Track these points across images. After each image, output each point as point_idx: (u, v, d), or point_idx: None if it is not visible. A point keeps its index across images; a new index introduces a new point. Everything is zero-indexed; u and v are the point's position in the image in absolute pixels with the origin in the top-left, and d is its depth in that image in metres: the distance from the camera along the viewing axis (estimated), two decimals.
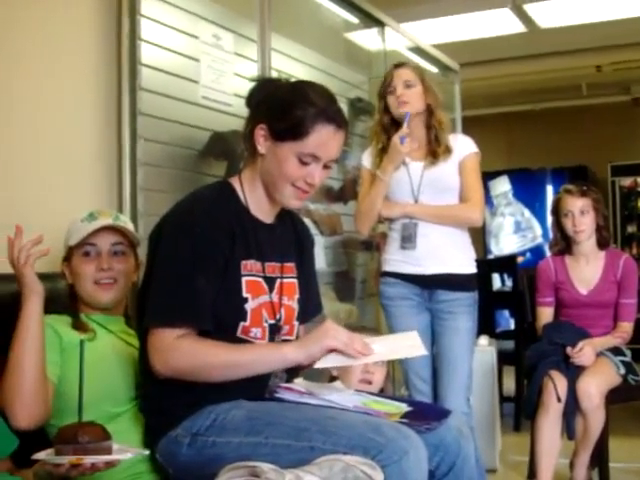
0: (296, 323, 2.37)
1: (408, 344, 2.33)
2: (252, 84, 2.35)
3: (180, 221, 2.19)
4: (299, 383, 2.29)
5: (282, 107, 2.20)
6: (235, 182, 2.33)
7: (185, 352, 2.08)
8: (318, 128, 2.17)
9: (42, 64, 2.98)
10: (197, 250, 2.12)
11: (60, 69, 3.05)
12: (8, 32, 2.85)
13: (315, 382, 2.30)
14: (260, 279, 2.25)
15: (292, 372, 2.31)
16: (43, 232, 2.65)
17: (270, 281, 2.28)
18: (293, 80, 2.39)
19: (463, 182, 3.55)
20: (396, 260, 3.59)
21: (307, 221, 4.27)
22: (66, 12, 3.10)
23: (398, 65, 3.64)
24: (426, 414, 2.22)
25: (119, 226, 2.46)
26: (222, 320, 2.16)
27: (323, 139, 2.19)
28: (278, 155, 2.21)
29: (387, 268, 3.63)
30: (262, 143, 2.23)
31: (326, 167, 2.26)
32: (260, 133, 2.22)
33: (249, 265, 2.23)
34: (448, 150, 3.53)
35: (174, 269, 2.13)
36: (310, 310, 2.47)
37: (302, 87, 2.28)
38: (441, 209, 3.53)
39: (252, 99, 2.30)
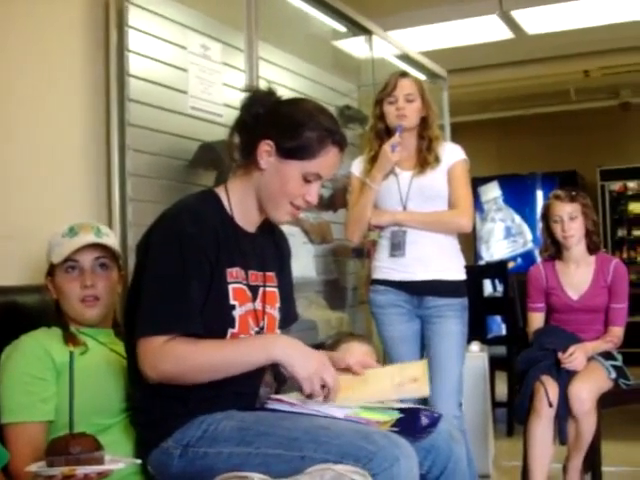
0: (278, 331, 2.39)
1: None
2: (247, 94, 2.35)
3: (166, 229, 2.19)
4: (293, 396, 2.29)
5: (291, 126, 2.23)
6: (221, 191, 2.34)
7: (173, 356, 2.08)
8: (326, 150, 2.24)
9: (29, 76, 2.98)
10: (184, 256, 2.13)
11: (48, 81, 3.05)
12: None
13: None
14: (244, 287, 2.27)
15: (282, 381, 2.32)
16: (33, 243, 2.66)
17: (253, 289, 2.30)
18: (293, 97, 2.44)
19: (452, 189, 3.56)
20: (385, 267, 3.60)
21: (297, 229, 4.30)
22: (53, 24, 3.10)
23: (402, 75, 3.64)
24: (417, 421, 2.21)
25: (100, 242, 2.45)
26: (211, 327, 2.16)
27: (329, 160, 2.26)
28: (282, 172, 2.24)
29: (376, 276, 3.64)
30: (265, 158, 2.24)
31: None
32: (265, 148, 2.24)
33: (234, 273, 2.24)
34: (437, 160, 3.55)
35: (162, 276, 2.14)
36: (287, 319, 2.49)
37: (307, 106, 2.32)
38: (430, 216, 3.54)
39: (251, 110, 2.30)
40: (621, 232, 10.27)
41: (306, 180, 2.25)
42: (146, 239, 2.23)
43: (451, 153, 3.61)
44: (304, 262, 4.38)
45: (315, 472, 1.84)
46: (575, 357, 3.75)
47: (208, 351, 2.11)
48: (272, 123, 2.25)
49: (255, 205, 2.32)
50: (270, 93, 2.34)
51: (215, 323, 2.18)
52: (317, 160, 2.23)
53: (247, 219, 2.33)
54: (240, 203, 2.32)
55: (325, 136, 2.23)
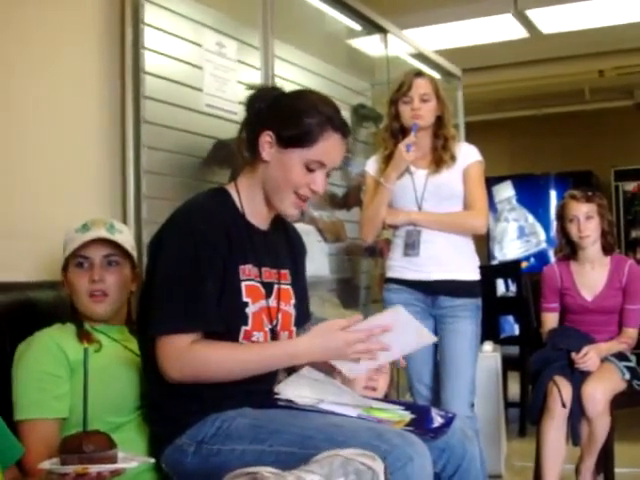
0: (294, 328, 2.39)
1: (411, 332, 2.33)
2: (251, 91, 2.35)
3: (179, 227, 2.20)
4: (306, 373, 2.29)
5: (291, 114, 2.23)
6: (231, 188, 2.34)
7: (201, 360, 2.10)
8: (326, 136, 2.22)
9: (46, 73, 2.98)
10: (198, 254, 2.14)
11: (64, 78, 3.06)
12: (11, 41, 2.86)
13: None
14: (258, 284, 2.27)
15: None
16: (48, 240, 2.67)
17: (267, 286, 2.30)
18: (296, 89, 2.44)
19: (467, 190, 3.55)
20: (399, 266, 3.59)
21: (311, 228, 4.29)
22: (69, 21, 3.10)
23: (418, 74, 3.61)
24: (431, 421, 2.21)
25: (110, 238, 2.44)
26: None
27: (330, 147, 2.23)
28: (284, 161, 2.23)
29: (391, 274, 3.64)
30: (267, 150, 2.24)
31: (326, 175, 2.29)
32: (266, 139, 2.24)
33: (247, 270, 2.24)
34: (453, 158, 3.54)
35: (177, 274, 2.14)
36: (301, 319, 2.47)
37: (309, 96, 2.32)
38: (445, 216, 3.53)
39: (254, 105, 2.31)
40: (635, 233, 10.20)
41: (309, 169, 2.23)
42: (158, 238, 2.23)
43: (467, 154, 3.60)
44: (318, 261, 4.37)
45: (324, 460, 1.82)
46: (589, 357, 3.74)
47: (235, 358, 2.14)
48: (272, 114, 2.26)
49: (263, 200, 2.32)
50: (274, 88, 2.37)
51: (228, 320, 2.18)
52: (318, 147, 2.21)
53: (258, 215, 2.33)
54: (250, 199, 2.32)
55: (324, 122, 2.21)
